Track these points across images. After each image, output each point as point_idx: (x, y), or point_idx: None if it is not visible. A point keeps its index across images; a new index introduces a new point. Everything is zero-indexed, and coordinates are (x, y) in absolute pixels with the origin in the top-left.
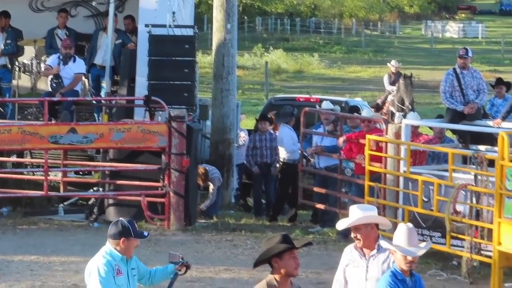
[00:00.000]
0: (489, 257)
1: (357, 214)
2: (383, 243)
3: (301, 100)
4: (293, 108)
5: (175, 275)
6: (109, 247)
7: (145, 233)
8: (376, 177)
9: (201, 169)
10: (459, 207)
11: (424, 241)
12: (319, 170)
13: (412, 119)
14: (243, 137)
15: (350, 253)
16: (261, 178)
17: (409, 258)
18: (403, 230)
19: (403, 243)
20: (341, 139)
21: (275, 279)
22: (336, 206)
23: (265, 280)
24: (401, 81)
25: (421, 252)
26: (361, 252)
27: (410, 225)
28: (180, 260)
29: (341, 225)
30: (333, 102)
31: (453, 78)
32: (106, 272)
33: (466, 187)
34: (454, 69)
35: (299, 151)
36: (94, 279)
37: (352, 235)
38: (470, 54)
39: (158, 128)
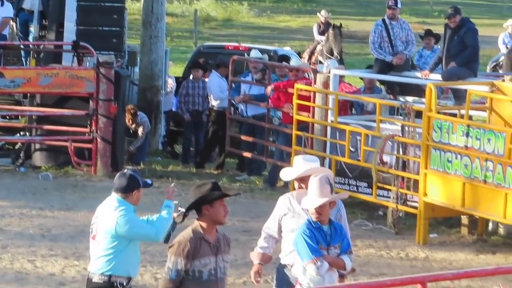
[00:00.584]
0: (415, 208)
1: (304, 165)
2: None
3: (230, 48)
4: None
5: (173, 225)
6: (120, 199)
7: (149, 182)
8: (303, 126)
9: (129, 106)
10: (386, 158)
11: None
12: (247, 119)
13: (333, 67)
14: (170, 84)
15: (289, 202)
16: (192, 126)
17: (311, 210)
18: (312, 181)
19: (312, 194)
20: (269, 88)
21: (201, 226)
22: (263, 154)
23: (190, 227)
24: (330, 31)
25: (317, 204)
26: None
27: (320, 176)
28: (179, 209)
29: (286, 175)
30: (262, 51)
31: (382, 28)
32: (133, 217)
33: (393, 138)
34: (383, 20)
35: (228, 99)
36: (128, 229)
37: (297, 185)
38: (399, 5)
39: (86, 74)
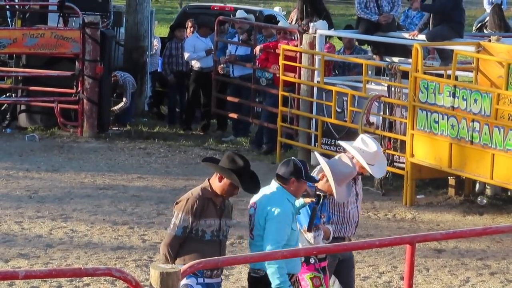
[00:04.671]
0: (402, 169)
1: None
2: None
3: (215, 8)
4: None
5: (312, 209)
6: (282, 188)
7: (317, 178)
8: (291, 88)
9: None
10: (373, 118)
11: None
12: (233, 79)
13: (321, 27)
14: (156, 45)
15: None
16: (176, 87)
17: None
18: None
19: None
20: (257, 48)
21: (211, 187)
22: (249, 115)
23: (200, 186)
24: None
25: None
26: None
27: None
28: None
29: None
30: (248, 11)
31: None
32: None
33: (379, 98)
34: None
35: (213, 60)
36: (271, 223)
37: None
38: None
39: (72, 34)
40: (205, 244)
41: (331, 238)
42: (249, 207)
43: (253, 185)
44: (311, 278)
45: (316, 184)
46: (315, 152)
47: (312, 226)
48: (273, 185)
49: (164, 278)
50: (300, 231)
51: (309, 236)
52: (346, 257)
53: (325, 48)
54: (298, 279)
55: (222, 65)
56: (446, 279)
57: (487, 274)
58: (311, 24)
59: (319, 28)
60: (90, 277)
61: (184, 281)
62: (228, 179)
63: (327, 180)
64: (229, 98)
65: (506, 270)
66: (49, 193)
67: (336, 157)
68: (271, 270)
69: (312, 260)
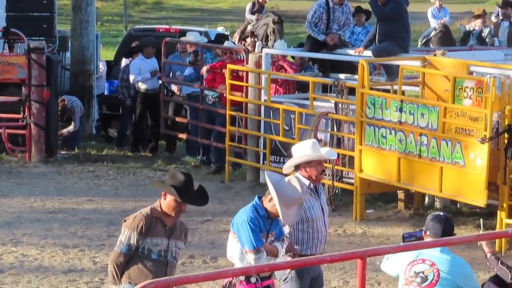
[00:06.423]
0: (351, 184)
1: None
2: None
3: (161, 30)
4: (153, 39)
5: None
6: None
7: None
8: (238, 107)
9: (60, 101)
10: (320, 135)
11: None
12: (180, 99)
13: (279, 48)
14: (101, 68)
15: None
16: (131, 110)
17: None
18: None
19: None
20: (204, 68)
21: (161, 207)
22: (197, 135)
23: (150, 206)
24: (271, 25)
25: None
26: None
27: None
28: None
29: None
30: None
31: (324, 11)
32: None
33: (327, 115)
34: (327, 2)
35: (159, 81)
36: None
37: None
38: None
39: (18, 60)
40: (152, 263)
41: (280, 255)
42: None
43: (198, 198)
44: None
45: (265, 206)
46: (265, 173)
47: None
48: None
49: None
50: (243, 251)
51: (250, 258)
52: (317, 274)
53: (288, 66)
54: None
55: (177, 86)
56: None
57: None
58: (257, 44)
59: (279, 48)
60: None
61: None
62: (171, 195)
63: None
64: (177, 119)
65: None
66: None
67: (286, 179)
68: None
69: (253, 280)
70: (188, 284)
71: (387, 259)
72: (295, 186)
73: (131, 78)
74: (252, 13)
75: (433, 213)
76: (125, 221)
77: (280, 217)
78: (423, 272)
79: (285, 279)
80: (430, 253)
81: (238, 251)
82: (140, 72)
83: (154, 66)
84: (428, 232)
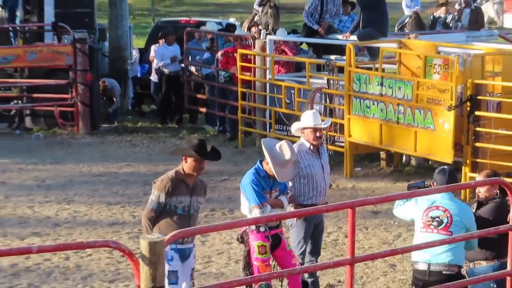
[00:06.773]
0: (342, 147)
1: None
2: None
3: (182, 22)
4: (174, 29)
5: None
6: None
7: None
8: (247, 85)
9: (101, 82)
10: (316, 107)
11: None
12: (199, 78)
13: (280, 35)
14: (134, 54)
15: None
16: (159, 89)
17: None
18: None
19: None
20: (219, 53)
21: (183, 169)
22: (214, 108)
23: (175, 169)
24: (269, 9)
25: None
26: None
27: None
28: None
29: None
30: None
31: (318, 3)
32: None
33: (321, 90)
34: None
35: (181, 65)
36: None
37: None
38: None
39: (65, 49)
40: (177, 217)
41: (285, 207)
42: None
43: (213, 154)
44: (258, 246)
45: (264, 168)
46: (261, 140)
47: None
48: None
49: (152, 247)
50: (250, 207)
51: (256, 212)
52: (319, 221)
53: (289, 50)
54: (249, 243)
55: (195, 67)
56: (382, 235)
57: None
58: (262, 32)
59: (279, 35)
60: (91, 249)
61: None
62: (189, 157)
63: None
64: (198, 96)
65: None
66: (54, 181)
67: (278, 144)
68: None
69: (262, 229)
70: (210, 232)
71: (400, 205)
72: (285, 149)
73: (155, 62)
74: (259, 4)
75: (440, 167)
76: (154, 182)
77: (276, 175)
78: (438, 217)
79: (292, 225)
80: (442, 201)
81: (247, 206)
82: (163, 58)
83: (175, 52)
84: (435, 183)
